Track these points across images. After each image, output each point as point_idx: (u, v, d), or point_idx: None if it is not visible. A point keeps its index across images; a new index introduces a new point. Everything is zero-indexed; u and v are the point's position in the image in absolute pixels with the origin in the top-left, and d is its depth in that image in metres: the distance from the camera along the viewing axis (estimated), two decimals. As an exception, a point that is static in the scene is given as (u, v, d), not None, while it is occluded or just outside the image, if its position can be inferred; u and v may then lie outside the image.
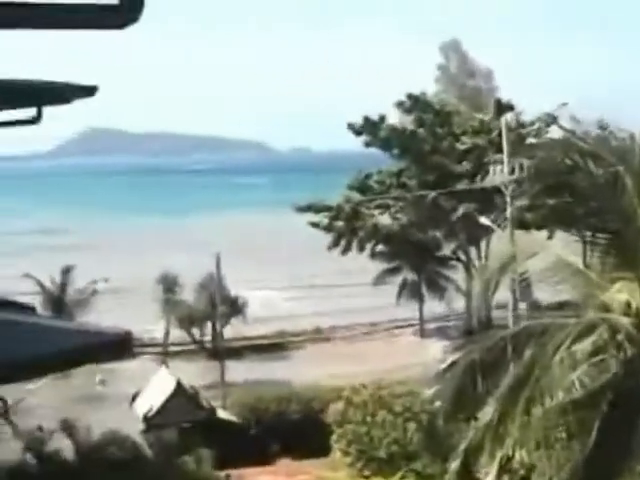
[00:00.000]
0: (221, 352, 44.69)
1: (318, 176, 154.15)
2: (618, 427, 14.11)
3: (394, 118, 57.06)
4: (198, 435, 31.40)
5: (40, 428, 28.63)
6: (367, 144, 57.24)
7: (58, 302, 50.50)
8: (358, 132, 56.86)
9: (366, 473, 29.21)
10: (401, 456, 28.39)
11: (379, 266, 58.42)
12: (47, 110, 14.12)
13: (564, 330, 14.32)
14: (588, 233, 17.88)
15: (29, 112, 13.77)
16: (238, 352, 49.76)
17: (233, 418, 34.47)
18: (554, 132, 54.54)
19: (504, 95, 61.44)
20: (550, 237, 35.63)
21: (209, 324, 51.51)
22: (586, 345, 14.29)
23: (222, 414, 34.81)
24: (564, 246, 17.26)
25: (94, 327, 9.31)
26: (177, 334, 52.56)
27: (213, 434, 31.96)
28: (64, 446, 27.59)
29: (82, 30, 3.86)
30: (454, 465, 15.78)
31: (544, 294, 22.37)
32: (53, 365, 7.96)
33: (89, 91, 13.73)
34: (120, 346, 8.22)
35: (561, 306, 16.91)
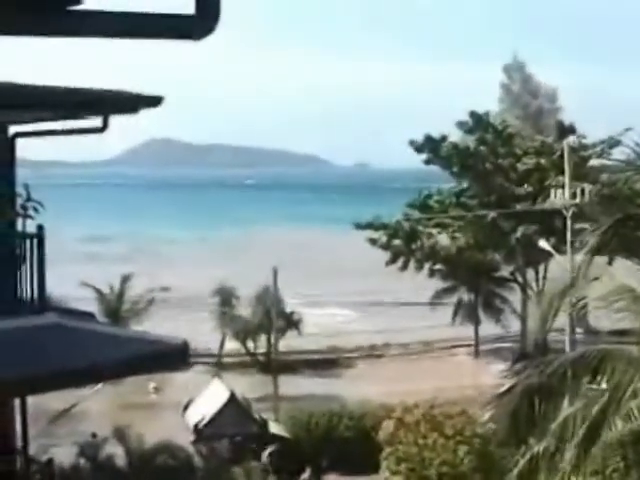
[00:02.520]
0: (274, 366, 44.69)
1: (376, 192, 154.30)
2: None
3: (455, 138, 56.96)
4: (249, 447, 31.45)
5: (94, 435, 28.87)
6: (428, 162, 57.17)
7: (115, 310, 50.82)
8: (419, 149, 56.78)
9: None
10: (451, 477, 28.14)
11: (436, 284, 58.12)
12: (111, 118, 14.28)
13: (631, 364, 14.02)
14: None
15: (95, 120, 13.93)
16: (292, 366, 49.74)
17: (284, 432, 34.41)
18: (617, 156, 53.96)
19: (569, 116, 61.06)
20: (610, 263, 35.17)
21: (263, 337, 51.51)
22: None
23: (273, 428, 34.77)
24: (626, 272, 16.97)
25: (153, 336, 9.35)
26: (230, 346, 52.66)
27: (263, 447, 31.98)
28: (117, 452, 27.79)
29: (159, 40, 3.88)
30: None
31: (603, 320, 22.06)
32: (112, 372, 8.00)
33: (155, 101, 13.88)
34: (178, 356, 8.23)
35: (621, 333, 16.61)
